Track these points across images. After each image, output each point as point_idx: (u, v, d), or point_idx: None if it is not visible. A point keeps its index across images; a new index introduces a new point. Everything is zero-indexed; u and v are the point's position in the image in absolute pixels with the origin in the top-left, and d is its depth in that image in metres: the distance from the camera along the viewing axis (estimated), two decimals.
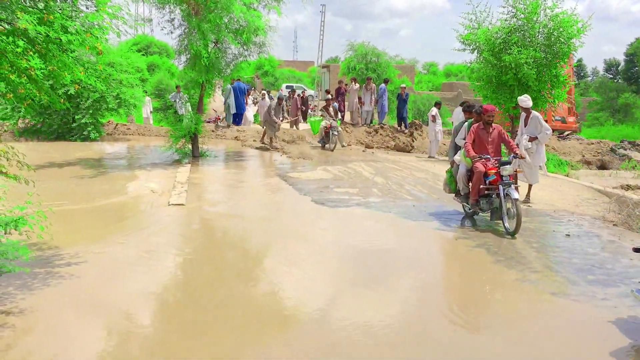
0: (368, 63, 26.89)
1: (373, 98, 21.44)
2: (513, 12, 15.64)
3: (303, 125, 22.23)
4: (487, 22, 16.32)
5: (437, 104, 17.86)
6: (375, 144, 18.82)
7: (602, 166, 21.37)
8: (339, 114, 18.99)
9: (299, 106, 22.66)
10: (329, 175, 12.46)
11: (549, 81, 15.55)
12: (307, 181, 11.68)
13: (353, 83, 21.89)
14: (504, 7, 15.78)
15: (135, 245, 7.09)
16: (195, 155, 14.77)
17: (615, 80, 57.37)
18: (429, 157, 17.23)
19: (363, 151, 17.44)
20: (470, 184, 8.76)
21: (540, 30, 15.39)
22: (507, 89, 15.76)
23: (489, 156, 8.38)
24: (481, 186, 8.33)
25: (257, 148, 17.54)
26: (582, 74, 68.97)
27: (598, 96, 50.33)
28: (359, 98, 21.82)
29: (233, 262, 6.73)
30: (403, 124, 21.34)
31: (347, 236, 7.88)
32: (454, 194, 9.33)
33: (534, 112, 10.64)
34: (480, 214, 8.90)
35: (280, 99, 18.03)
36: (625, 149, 22.86)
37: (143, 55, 37.42)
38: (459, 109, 16.93)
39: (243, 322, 4.89)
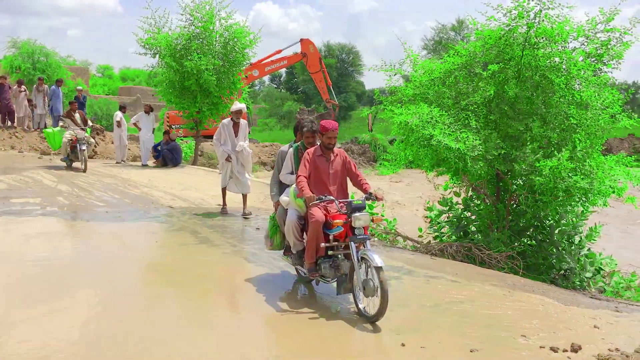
0: (35, 62, 24.66)
1: (46, 100, 19.69)
2: (191, 20, 16.23)
3: None
4: (167, 27, 16.59)
5: (122, 108, 17.41)
6: (52, 150, 17.31)
7: None
8: (90, 121, 15.60)
9: None
10: (3, 185, 11.08)
11: (228, 87, 16.64)
12: None
13: (18, 86, 19.59)
14: (181, 14, 16.28)
15: None
16: None
17: (280, 90, 63.97)
18: (117, 162, 16.68)
19: (39, 158, 15.94)
20: (304, 237, 5.84)
21: (217, 39, 16.34)
22: (190, 94, 16.33)
23: (332, 197, 5.51)
24: (322, 244, 5.43)
25: None
26: (252, 84, 74.92)
27: (266, 104, 55.49)
28: (29, 101, 19.82)
29: None
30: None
31: (22, 250, 7.09)
32: (281, 251, 6.32)
33: (244, 120, 9.88)
34: (322, 282, 5.78)
35: None
36: None
37: None
38: (141, 113, 16.90)
39: None
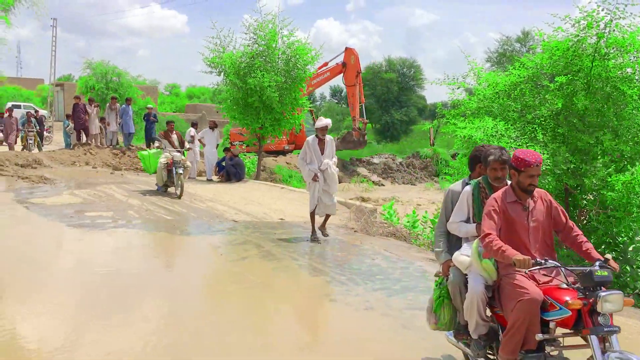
0: (108, 82, 25.78)
1: (117, 118, 20.62)
2: (254, 39, 16.61)
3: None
4: (231, 46, 17.05)
5: (194, 125, 17.93)
6: (123, 166, 18.07)
7: None
8: (187, 143, 14.02)
9: (18, 127, 20.66)
10: (77, 200, 11.63)
11: (290, 104, 16.89)
12: (54, 206, 10.73)
13: (90, 105, 20.51)
14: (245, 33, 16.71)
15: None
16: None
17: (340, 105, 64.26)
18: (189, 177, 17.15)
19: (111, 173, 16.62)
20: (491, 312, 4.11)
21: (280, 56, 16.66)
22: (253, 110, 16.65)
23: (556, 263, 3.77)
24: (538, 336, 3.63)
25: None
26: (312, 99, 75.94)
27: None
28: (102, 119, 20.80)
29: None
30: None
31: (93, 261, 7.44)
32: (451, 332, 4.50)
33: (329, 136, 9.10)
34: None
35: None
36: (354, 165, 25.82)
37: None
38: (206, 129, 17.35)
39: None
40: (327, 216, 9.27)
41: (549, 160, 7.25)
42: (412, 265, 7.81)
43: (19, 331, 4.94)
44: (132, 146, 20.70)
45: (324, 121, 8.89)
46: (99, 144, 20.65)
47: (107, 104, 20.94)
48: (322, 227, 9.20)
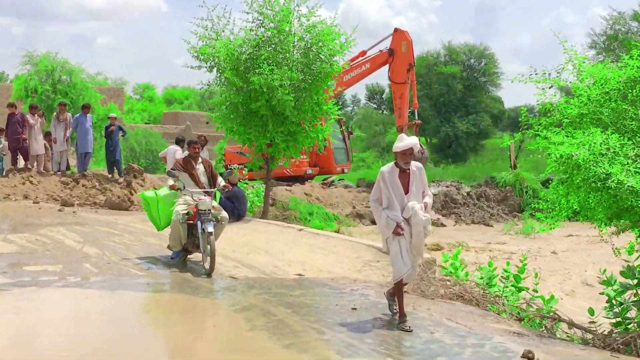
0: (56, 83, 26.22)
1: (68, 133, 20.87)
2: (260, 20, 16.69)
3: None
4: (227, 31, 17.15)
5: (180, 142, 18.20)
6: (76, 200, 18.33)
7: None
8: (221, 178, 11.55)
9: None
10: (13, 248, 11.83)
11: (310, 110, 16.83)
12: None
13: (31, 115, 20.83)
14: (247, 12, 16.72)
15: None
16: None
17: (381, 111, 64.38)
18: None
19: (59, 210, 16.86)
20: None
21: (296, 44, 16.69)
22: (259, 120, 16.65)
23: None
24: None
25: None
26: (339, 102, 76.28)
27: (362, 132, 55.94)
28: (47, 134, 21.08)
29: None
30: (116, 170, 21.13)
31: (35, 339, 7.44)
32: None
33: (416, 163, 8.20)
34: None
35: None
36: None
37: None
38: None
39: None
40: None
41: None
42: (488, 342, 7.73)
43: None
44: (87, 172, 20.93)
45: (407, 141, 7.96)
46: (42, 169, 20.90)
47: (54, 114, 21.23)
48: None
